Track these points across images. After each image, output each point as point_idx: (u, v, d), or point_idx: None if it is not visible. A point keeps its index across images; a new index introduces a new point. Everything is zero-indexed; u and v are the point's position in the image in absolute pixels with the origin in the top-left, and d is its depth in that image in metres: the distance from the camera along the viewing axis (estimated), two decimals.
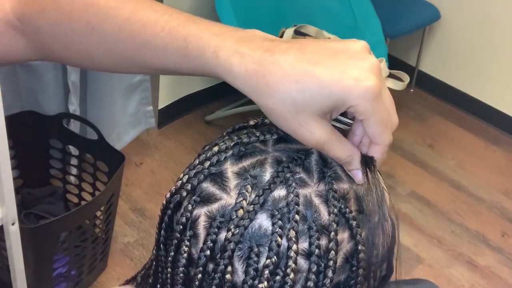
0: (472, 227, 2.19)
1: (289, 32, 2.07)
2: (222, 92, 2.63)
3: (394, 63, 2.63)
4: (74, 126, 1.85)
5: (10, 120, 1.34)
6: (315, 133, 0.44)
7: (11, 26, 0.54)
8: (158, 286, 0.53)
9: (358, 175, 0.47)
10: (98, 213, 1.66)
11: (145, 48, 0.49)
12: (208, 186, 0.47)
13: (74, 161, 1.84)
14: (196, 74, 0.48)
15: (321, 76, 0.41)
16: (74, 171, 1.86)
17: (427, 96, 2.90)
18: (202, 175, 0.47)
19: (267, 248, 0.44)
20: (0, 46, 0.55)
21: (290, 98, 0.42)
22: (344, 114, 0.48)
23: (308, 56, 0.43)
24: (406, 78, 2.95)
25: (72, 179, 1.89)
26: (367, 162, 0.46)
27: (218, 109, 2.56)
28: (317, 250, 0.45)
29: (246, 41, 0.44)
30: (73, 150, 1.81)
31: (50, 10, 0.53)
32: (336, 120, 0.47)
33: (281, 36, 2.09)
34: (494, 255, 2.10)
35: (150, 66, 0.50)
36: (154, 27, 0.48)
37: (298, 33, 2.08)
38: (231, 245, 0.44)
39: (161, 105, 2.39)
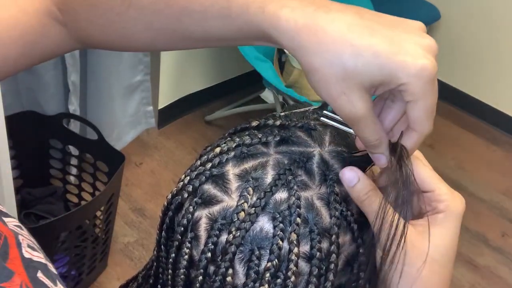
0: (472, 227, 2.18)
1: None
2: (222, 92, 2.63)
3: None
4: (74, 126, 1.85)
5: (10, 120, 1.34)
6: (356, 105, 0.40)
7: (54, 18, 0.53)
8: (159, 286, 0.53)
9: (381, 159, 0.44)
10: (98, 213, 1.66)
11: (185, 16, 0.46)
12: (210, 188, 0.47)
13: (74, 161, 1.84)
14: (238, 39, 0.46)
15: (377, 45, 0.39)
16: (74, 171, 1.86)
17: None
18: (204, 177, 0.47)
19: (268, 251, 0.44)
20: (50, 41, 0.54)
21: (341, 62, 0.39)
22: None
23: (366, 22, 0.40)
24: None
25: (72, 179, 1.89)
26: (400, 153, 0.44)
27: (218, 109, 2.56)
28: (318, 253, 0.44)
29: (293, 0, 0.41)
30: (73, 150, 1.80)
31: None
32: (335, 120, 0.47)
33: None
34: (494, 255, 2.10)
35: (190, 35, 0.48)
36: None
37: None
38: (232, 248, 0.44)
39: (161, 105, 2.39)
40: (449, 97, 2.86)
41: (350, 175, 0.45)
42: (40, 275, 0.38)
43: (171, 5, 0.46)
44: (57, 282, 0.39)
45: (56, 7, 0.53)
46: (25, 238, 0.41)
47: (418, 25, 0.42)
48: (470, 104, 2.79)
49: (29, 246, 0.40)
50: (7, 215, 0.42)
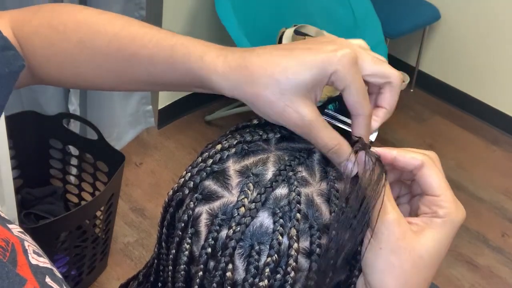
0: (472, 227, 2.19)
1: (289, 32, 2.07)
2: None
3: (394, 63, 2.61)
4: (74, 126, 1.85)
5: (10, 120, 1.35)
6: (302, 112, 0.44)
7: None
8: (160, 284, 0.53)
9: (348, 167, 0.46)
10: (98, 213, 1.66)
11: (133, 60, 0.51)
12: (210, 184, 0.47)
13: (74, 161, 1.84)
14: (181, 85, 0.51)
15: (298, 55, 0.45)
16: (74, 171, 1.86)
17: (427, 96, 2.90)
18: (205, 173, 0.47)
19: (268, 246, 0.44)
20: None
21: (273, 80, 0.44)
22: (344, 114, 0.48)
23: (283, 47, 0.46)
24: (406, 78, 2.95)
25: (72, 179, 1.89)
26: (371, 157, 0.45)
27: (218, 109, 2.56)
28: (318, 249, 0.45)
29: (229, 49, 0.48)
30: (73, 150, 1.81)
31: (43, 32, 0.54)
32: (337, 119, 0.48)
33: (281, 36, 2.09)
34: (494, 255, 2.10)
35: (136, 78, 0.52)
36: (142, 39, 0.50)
37: (298, 33, 2.08)
38: (232, 243, 0.44)
39: (161, 105, 2.39)
40: (449, 97, 2.86)
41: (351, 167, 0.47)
42: (48, 280, 0.39)
43: (122, 50, 0.51)
44: (63, 286, 0.40)
45: (18, 41, 0.55)
46: (31, 244, 0.41)
47: (327, 36, 0.48)
48: (470, 104, 2.79)
49: (34, 252, 0.40)
50: (10, 222, 0.42)
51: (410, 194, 0.50)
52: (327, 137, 0.45)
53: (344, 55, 0.44)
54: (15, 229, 0.42)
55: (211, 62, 0.47)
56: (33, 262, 0.39)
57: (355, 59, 0.44)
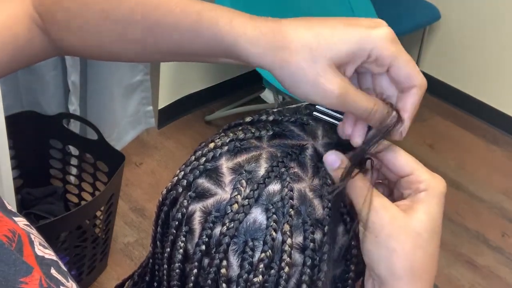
0: (472, 227, 2.18)
1: None
2: (222, 92, 2.63)
3: None
4: (74, 126, 1.86)
5: (10, 120, 1.35)
6: (335, 81, 0.42)
7: (37, 24, 0.54)
8: (155, 283, 0.54)
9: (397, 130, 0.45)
10: (98, 213, 1.67)
11: (158, 28, 0.49)
12: (204, 182, 0.47)
13: (74, 161, 1.84)
14: (205, 54, 0.49)
15: (333, 23, 0.43)
16: (74, 171, 1.86)
17: (427, 96, 2.87)
18: (198, 171, 0.48)
19: (261, 242, 0.44)
20: (35, 47, 0.55)
21: (306, 44, 0.42)
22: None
23: (318, 18, 0.45)
24: None
25: (72, 179, 1.89)
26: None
27: (218, 109, 2.56)
28: (311, 244, 0.45)
29: (259, 17, 0.46)
30: (73, 150, 1.81)
31: (65, 4, 0.53)
32: (327, 115, 0.48)
33: None
34: (494, 255, 2.10)
35: (160, 48, 0.51)
36: (167, 6, 0.48)
37: None
38: (226, 239, 0.44)
39: (161, 105, 2.39)
40: (449, 97, 2.86)
41: (333, 158, 0.46)
42: (53, 271, 0.39)
43: (146, 18, 0.49)
44: (68, 278, 0.40)
45: (38, 15, 0.54)
46: (36, 236, 0.42)
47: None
48: (470, 104, 2.79)
49: (40, 244, 0.41)
50: (16, 215, 0.43)
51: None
52: (365, 100, 0.43)
53: (385, 31, 0.42)
54: (21, 221, 0.42)
55: (240, 26, 0.44)
56: (39, 253, 0.40)
57: (395, 36, 0.43)
